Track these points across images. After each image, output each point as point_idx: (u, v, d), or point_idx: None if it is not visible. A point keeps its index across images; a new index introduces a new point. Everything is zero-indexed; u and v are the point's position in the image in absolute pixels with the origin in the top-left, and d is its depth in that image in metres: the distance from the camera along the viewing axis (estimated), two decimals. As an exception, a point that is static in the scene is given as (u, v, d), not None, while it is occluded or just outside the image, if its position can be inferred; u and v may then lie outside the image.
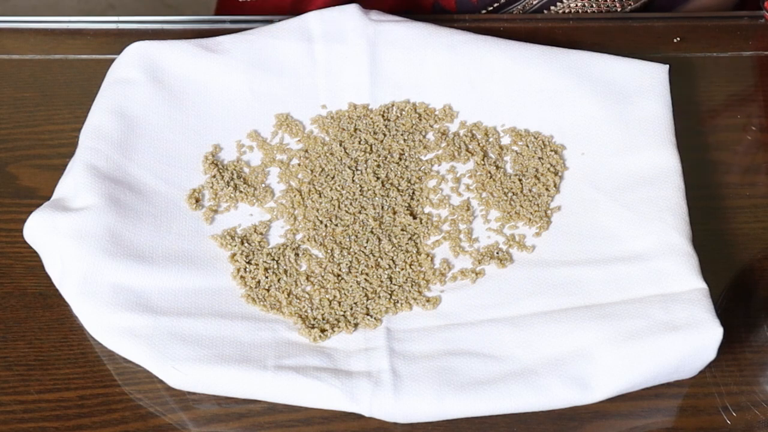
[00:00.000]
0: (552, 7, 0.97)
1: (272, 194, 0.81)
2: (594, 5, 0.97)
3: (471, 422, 0.69)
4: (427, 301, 0.74)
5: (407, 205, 0.80)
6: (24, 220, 0.75)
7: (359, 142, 0.83)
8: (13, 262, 0.77)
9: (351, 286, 0.75)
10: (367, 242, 0.77)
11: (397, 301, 0.74)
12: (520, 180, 0.81)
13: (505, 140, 0.84)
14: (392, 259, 0.77)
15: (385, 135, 0.84)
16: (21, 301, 0.75)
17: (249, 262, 0.76)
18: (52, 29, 0.94)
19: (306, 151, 0.83)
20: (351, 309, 0.74)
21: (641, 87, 0.84)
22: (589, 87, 0.84)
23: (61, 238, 0.74)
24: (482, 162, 0.82)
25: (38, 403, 0.70)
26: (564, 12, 0.97)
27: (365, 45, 0.86)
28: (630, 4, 0.97)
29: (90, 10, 1.86)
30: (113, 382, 0.71)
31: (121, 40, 0.89)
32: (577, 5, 0.97)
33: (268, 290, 0.75)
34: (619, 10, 0.97)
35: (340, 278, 0.75)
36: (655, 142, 0.80)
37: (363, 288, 0.75)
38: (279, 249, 0.77)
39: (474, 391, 0.68)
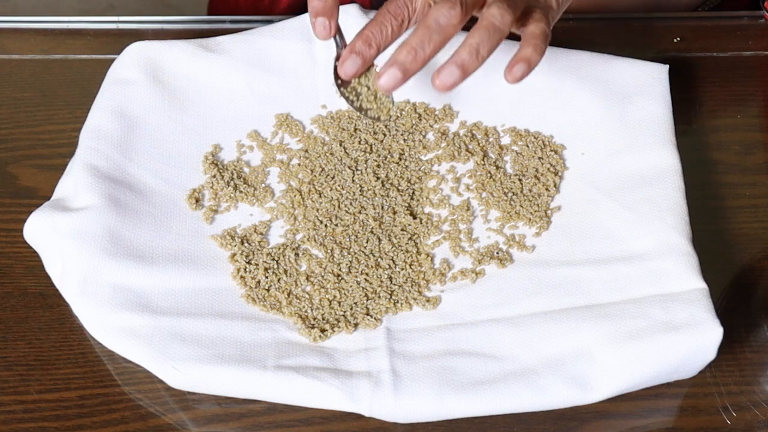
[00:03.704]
0: None
1: (272, 194, 0.81)
2: None
3: (471, 422, 0.69)
4: (427, 301, 0.74)
5: (407, 205, 0.80)
6: (24, 220, 0.75)
7: (359, 142, 0.83)
8: (13, 262, 0.77)
9: (351, 286, 0.75)
10: (367, 242, 0.77)
11: (397, 301, 0.74)
12: (520, 180, 0.81)
13: (505, 140, 0.84)
14: (392, 259, 0.77)
15: (385, 135, 0.84)
16: (21, 301, 0.75)
17: (249, 262, 0.76)
18: (52, 29, 0.93)
19: (306, 151, 0.83)
20: (351, 309, 0.74)
21: (641, 87, 0.84)
22: (589, 87, 0.84)
23: (61, 238, 0.74)
24: (482, 162, 0.82)
25: (38, 403, 0.70)
26: None
27: (365, 45, 0.86)
28: None
29: (90, 10, 1.86)
30: (113, 382, 0.71)
31: (121, 40, 0.89)
32: None
33: (268, 290, 0.75)
34: None
35: (340, 278, 0.75)
36: (655, 142, 0.80)
37: (363, 288, 0.75)
38: (279, 249, 0.77)
39: (474, 391, 0.68)
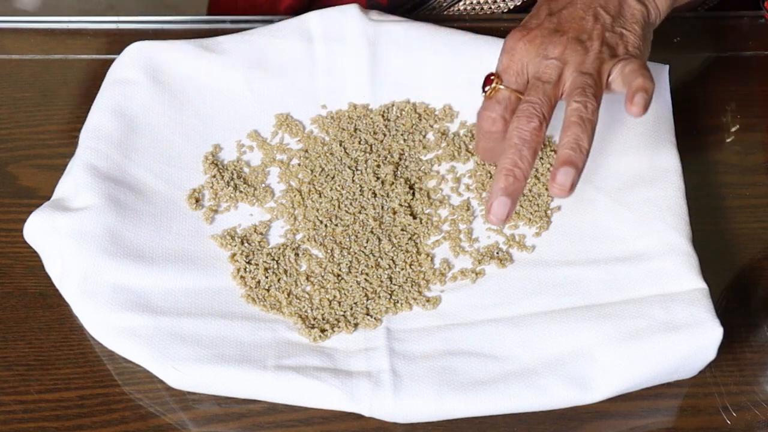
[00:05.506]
0: (460, 5, 0.96)
1: (272, 194, 0.81)
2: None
3: (471, 422, 0.69)
4: (427, 301, 0.74)
5: (407, 205, 0.80)
6: (24, 220, 0.75)
7: (359, 142, 0.83)
8: (13, 262, 0.77)
9: (351, 286, 0.75)
10: (367, 242, 0.77)
11: (397, 301, 0.74)
12: (520, 180, 0.81)
13: (505, 140, 0.84)
14: (392, 259, 0.77)
15: (385, 135, 0.84)
16: (21, 301, 0.75)
17: (249, 262, 0.76)
18: (52, 29, 0.94)
19: (306, 151, 0.83)
20: (351, 309, 0.74)
21: (641, 86, 0.83)
22: (589, 87, 0.84)
23: (61, 238, 0.74)
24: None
25: (38, 403, 0.70)
26: (467, 9, 0.96)
27: (365, 45, 0.86)
28: None
29: (90, 10, 1.86)
30: (113, 382, 0.71)
31: (121, 40, 0.89)
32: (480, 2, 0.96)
33: (268, 290, 0.75)
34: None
35: (340, 278, 0.75)
36: (655, 142, 0.80)
37: (363, 288, 0.75)
38: (279, 249, 0.77)
39: (474, 391, 0.68)
